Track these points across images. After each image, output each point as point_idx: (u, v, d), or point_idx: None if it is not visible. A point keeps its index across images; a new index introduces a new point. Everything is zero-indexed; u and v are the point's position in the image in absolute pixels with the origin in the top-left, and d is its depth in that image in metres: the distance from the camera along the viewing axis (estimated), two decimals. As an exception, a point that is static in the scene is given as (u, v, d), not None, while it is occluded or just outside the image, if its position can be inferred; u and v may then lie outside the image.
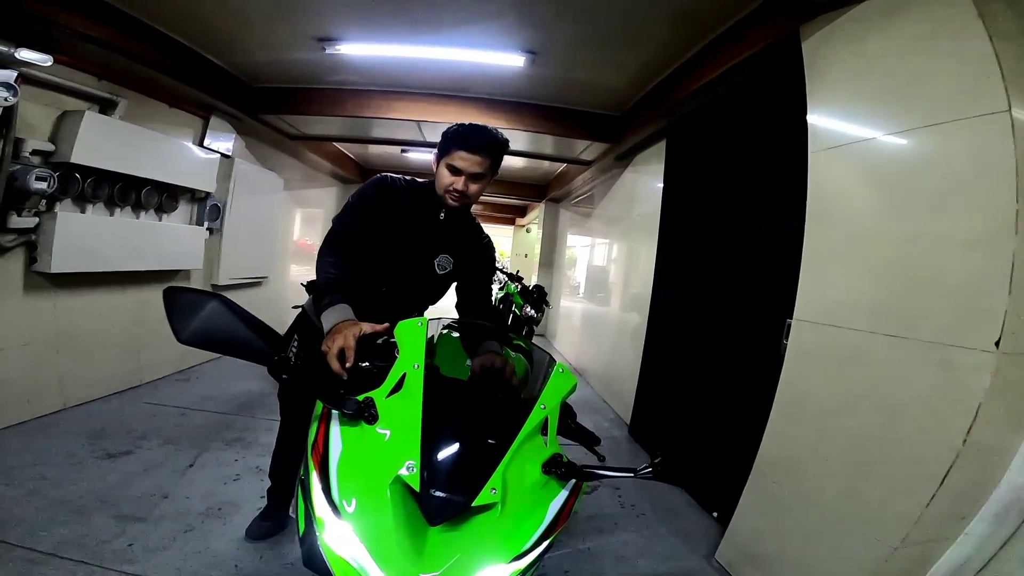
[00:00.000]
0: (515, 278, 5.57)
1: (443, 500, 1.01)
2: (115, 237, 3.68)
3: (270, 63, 3.90)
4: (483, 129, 1.63)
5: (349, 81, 4.23)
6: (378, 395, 1.16)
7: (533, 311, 5.30)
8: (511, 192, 8.92)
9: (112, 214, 3.74)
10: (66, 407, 3.47)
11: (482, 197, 1.91)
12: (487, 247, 1.90)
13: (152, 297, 4.17)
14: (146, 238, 4.00)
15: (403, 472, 1.01)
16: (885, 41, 1.83)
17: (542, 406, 1.19)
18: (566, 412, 1.30)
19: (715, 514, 2.86)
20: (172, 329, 1.12)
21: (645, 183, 4.75)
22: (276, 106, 4.54)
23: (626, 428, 4.37)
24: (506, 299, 5.47)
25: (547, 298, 5.79)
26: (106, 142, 3.39)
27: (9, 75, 2.69)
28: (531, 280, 8.44)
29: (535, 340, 7.31)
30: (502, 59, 3.50)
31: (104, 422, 3.35)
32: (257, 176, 5.53)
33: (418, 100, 4.40)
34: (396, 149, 6.68)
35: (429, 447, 1.07)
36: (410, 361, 1.17)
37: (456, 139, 1.61)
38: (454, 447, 1.10)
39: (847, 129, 1.93)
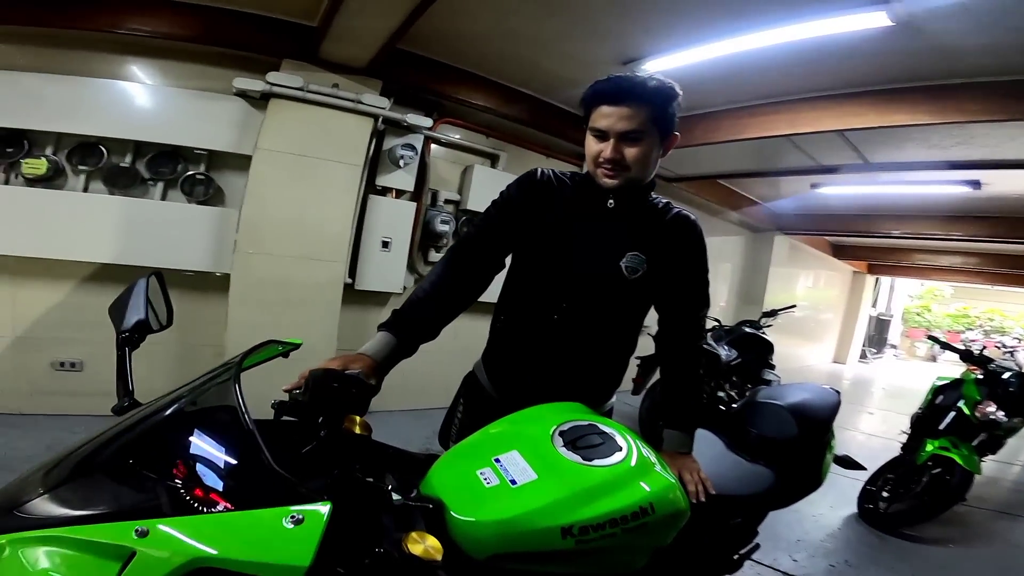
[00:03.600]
0: (978, 359, 3.24)
1: None
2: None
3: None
4: (630, 76, 1.19)
5: (690, 105, 3.67)
6: None
7: (1003, 414, 2.97)
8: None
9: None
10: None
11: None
12: (697, 245, 1.32)
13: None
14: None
15: None
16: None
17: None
18: None
19: None
20: None
21: None
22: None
23: None
24: (948, 389, 3.24)
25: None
26: (492, 191, 4.08)
27: (416, 139, 3.59)
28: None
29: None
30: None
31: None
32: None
33: (778, 111, 3.47)
34: (804, 184, 5.42)
35: None
36: None
37: (593, 97, 1.21)
38: None
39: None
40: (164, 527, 0.63)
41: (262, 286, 3.27)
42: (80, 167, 3.05)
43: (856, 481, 3.14)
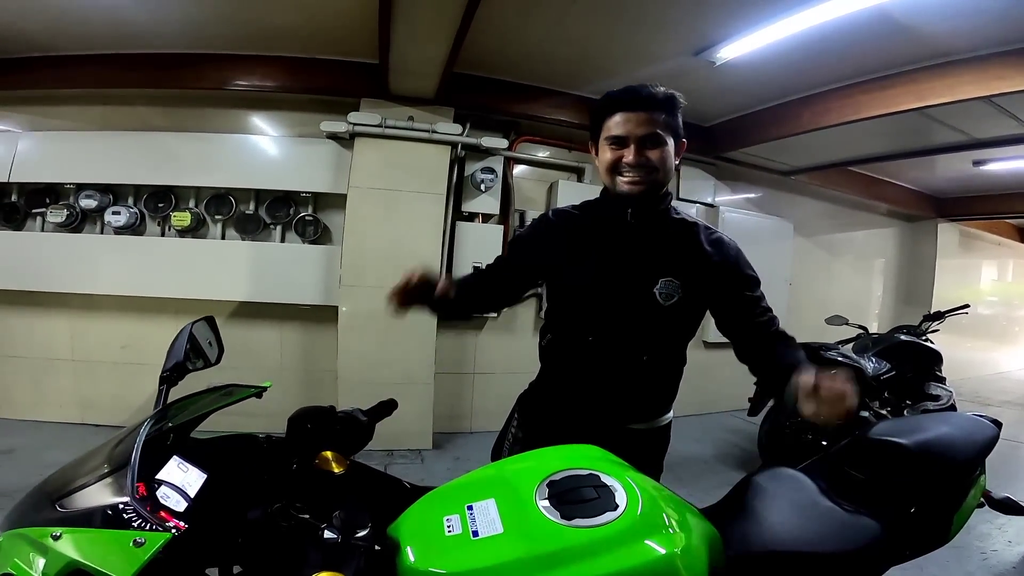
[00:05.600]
0: None
1: None
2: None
3: (705, 95, 3.53)
4: (641, 85, 1.21)
5: (779, 91, 3.38)
6: None
7: None
8: None
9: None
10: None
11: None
12: (737, 261, 1.29)
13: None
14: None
15: None
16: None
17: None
18: None
19: None
20: None
21: None
22: (730, 141, 4.08)
23: None
24: None
25: None
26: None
27: (495, 161, 3.64)
28: None
29: None
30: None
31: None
32: (751, 223, 5.03)
33: (898, 83, 2.95)
34: (964, 162, 4.48)
35: None
36: None
37: (607, 105, 1.22)
38: None
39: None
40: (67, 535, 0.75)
41: (366, 317, 3.50)
42: (216, 216, 3.57)
43: None
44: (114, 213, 3.41)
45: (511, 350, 3.96)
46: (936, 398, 4.03)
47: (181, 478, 0.81)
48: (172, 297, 3.51)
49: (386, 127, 3.35)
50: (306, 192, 3.61)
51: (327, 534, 0.75)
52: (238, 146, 3.56)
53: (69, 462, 0.93)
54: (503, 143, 3.63)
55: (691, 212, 1.38)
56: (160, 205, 3.52)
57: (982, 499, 1.46)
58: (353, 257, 3.48)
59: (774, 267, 5.22)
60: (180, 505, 0.78)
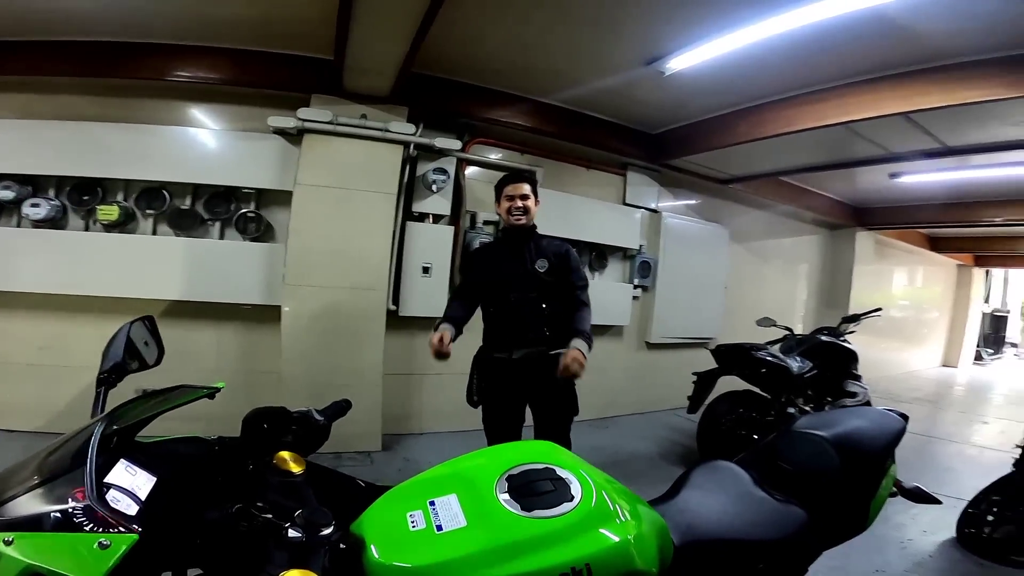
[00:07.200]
0: None
1: None
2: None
3: (654, 104, 3.67)
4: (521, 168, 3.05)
5: (721, 102, 3.54)
6: None
7: None
8: None
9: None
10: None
11: None
12: (568, 253, 2.39)
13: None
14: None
15: None
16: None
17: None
18: None
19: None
20: None
21: None
22: (675, 149, 4.28)
23: None
24: None
25: None
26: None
27: (447, 162, 3.64)
28: None
29: None
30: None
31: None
32: (691, 229, 5.29)
33: (826, 98, 3.18)
34: (882, 175, 4.91)
35: None
36: None
37: (502, 182, 2.42)
38: None
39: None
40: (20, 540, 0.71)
41: (311, 316, 3.42)
42: (148, 211, 3.37)
43: (958, 502, 2.80)
44: (33, 205, 3.14)
45: (459, 351, 3.95)
46: (853, 395, 4.37)
47: (130, 481, 0.79)
48: (97, 295, 3.28)
49: (338, 124, 3.28)
50: (249, 188, 3.48)
51: (291, 533, 0.75)
52: (175, 139, 3.37)
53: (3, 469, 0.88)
54: (457, 144, 3.63)
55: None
56: (85, 198, 3.28)
57: (895, 488, 1.62)
58: (298, 256, 3.39)
59: (712, 272, 5.52)
60: (131, 508, 0.75)
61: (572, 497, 0.85)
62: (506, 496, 0.85)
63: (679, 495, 1.28)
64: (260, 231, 3.53)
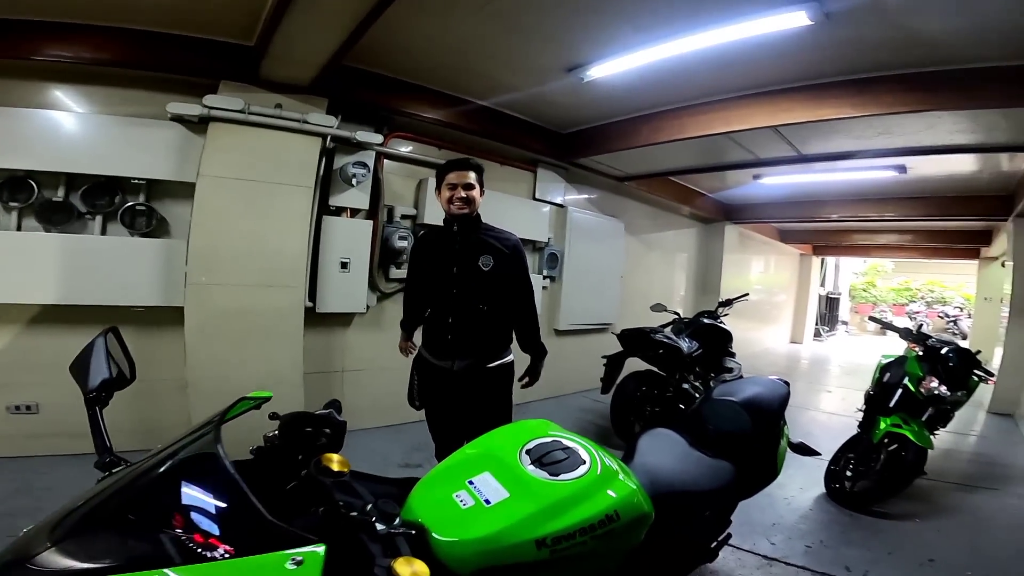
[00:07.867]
0: (917, 336, 3.41)
1: None
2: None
3: (567, 107, 3.91)
4: (466, 158, 2.30)
5: (628, 108, 3.89)
6: None
7: (946, 388, 3.08)
8: (957, 210, 6.15)
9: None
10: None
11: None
12: (515, 248, 2.28)
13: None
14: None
15: None
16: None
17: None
18: None
19: None
20: None
21: None
22: (583, 149, 4.60)
23: None
24: (893, 367, 3.38)
25: (984, 367, 3.30)
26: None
27: (367, 156, 3.57)
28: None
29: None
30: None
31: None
32: (593, 223, 5.68)
33: (714, 109, 3.64)
34: (748, 176, 5.67)
35: None
36: None
37: (445, 168, 2.23)
38: None
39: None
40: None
41: (220, 317, 3.18)
42: (11, 204, 2.90)
43: (822, 461, 3.22)
44: None
45: (381, 346, 3.94)
46: (731, 370, 5.00)
47: (206, 501, 0.78)
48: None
49: (250, 113, 3.07)
50: (138, 179, 3.12)
51: (379, 526, 0.80)
52: (47, 123, 2.91)
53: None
54: (378, 138, 3.57)
55: (504, 226, 2.34)
56: (-72, 188, 2.74)
57: (789, 443, 1.99)
58: (203, 252, 3.12)
59: (610, 263, 5.98)
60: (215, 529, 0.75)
61: (584, 461, 1.01)
62: (532, 467, 0.98)
63: (635, 458, 1.49)
64: (152, 226, 3.20)
